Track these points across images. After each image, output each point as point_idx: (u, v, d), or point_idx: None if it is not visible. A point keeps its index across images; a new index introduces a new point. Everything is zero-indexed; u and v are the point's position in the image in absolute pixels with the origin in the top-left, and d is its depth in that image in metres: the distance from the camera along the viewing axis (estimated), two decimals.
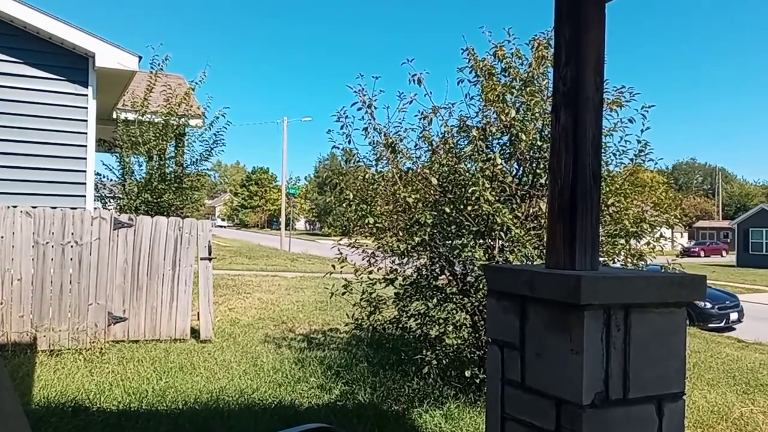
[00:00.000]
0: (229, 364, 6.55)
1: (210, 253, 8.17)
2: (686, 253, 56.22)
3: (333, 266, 6.21)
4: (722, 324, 15.39)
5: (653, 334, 2.06)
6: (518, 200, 5.53)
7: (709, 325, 15.08)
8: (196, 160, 12.37)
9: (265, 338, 8.16)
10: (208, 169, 13.20)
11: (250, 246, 37.77)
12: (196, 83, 12.72)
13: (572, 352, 1.93)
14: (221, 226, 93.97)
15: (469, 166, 5.73)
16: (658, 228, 5.78)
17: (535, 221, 5.43)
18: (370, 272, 6.21)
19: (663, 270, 6.02)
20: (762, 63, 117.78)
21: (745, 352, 10.71)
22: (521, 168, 5.85)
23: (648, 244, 5.66)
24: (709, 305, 15.53)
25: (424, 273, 5.99)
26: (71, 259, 7.17)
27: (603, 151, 5.88)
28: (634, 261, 5.75)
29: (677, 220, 5.95)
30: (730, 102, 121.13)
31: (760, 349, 11.59)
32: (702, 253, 56.74)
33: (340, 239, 6.67)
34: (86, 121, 8.40)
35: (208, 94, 12.77)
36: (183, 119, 11.89)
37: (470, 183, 5.20)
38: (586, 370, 1.86)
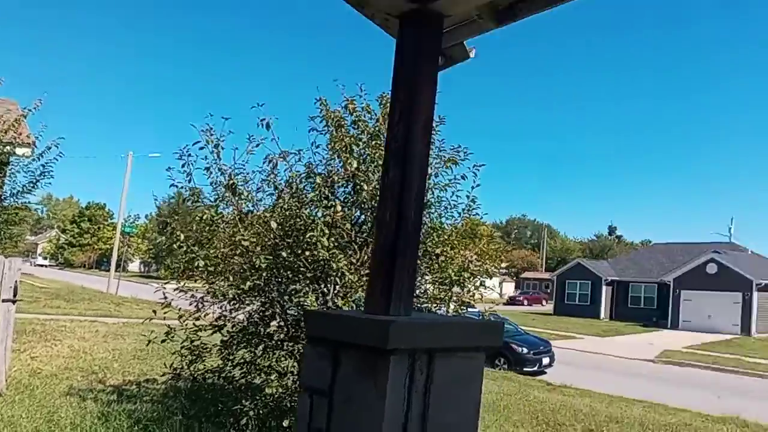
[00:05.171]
0: (17, 421, 5.71)
1: (15, 295, 7.20)
2: (512, 301, 61.04)
3: (154, 311, 5.78)
4: (536, 368, 16.73)
5: (454, 378, 2.16)
6: (356, 247, 5.64)
7: (525, 369, 16.35)
8: (18, 191, 11.08)
9: (69, 390, 7.31)
10: (31, 203, 11.90)
11: (72, 288, 34.08)
12: (29, 110, 11.65)
13: (377, 397, 1.95)
14: (41, 265, 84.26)
15: (313, 211, 5.77)
16: (479, 277, 6.23)
17: None
18: (197, 318, 5.88)
19: (481, 316, 6.47)
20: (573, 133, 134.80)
21: (550, 395, 11.78)
22: (363, 216, 6.00)
23: (468, 291, 6.05)
24: (525, 350, 16.88)
25: (255, 319, 5.81)
26: None
27: (439, 203, 6.26)
28: (460, 308, 6.12)
29: (496, 270, 6.50)
30: (552, 162, 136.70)
31: (565, 392, 12.84)
32: (525, 302, 61.86)
33: (166, 282, 6.25)
34: None
35: (43, 123, 11.32)
36: (8, 147, 10.67)
37: (309, 228, 5.22)
38: (387, 415, 1.88)
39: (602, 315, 43.89)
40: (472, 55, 2.70)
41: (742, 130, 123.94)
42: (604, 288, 44.56)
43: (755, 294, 34.52)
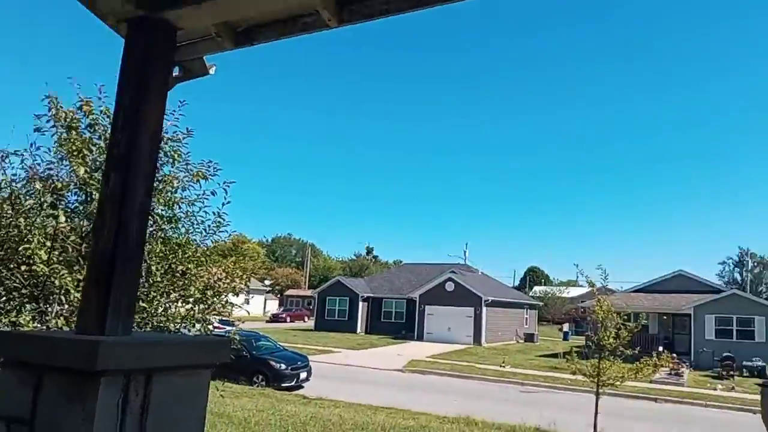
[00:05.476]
0: None
1: None
2: (275, 318, 61.08)
3: None
4: (294, 383, 17.04)
5: (175, 397, 2.11)
6: (84, 262, 5.12)
7: (283, 385, 16.54)
8: None
9: None
10: None
11: None
12: None
13: (84, 422, 1.82)
14: None
15: (34, 221, 5.07)
16: (225, 295, 6.14)
17: None
18: None
19: (228, 334, 6.39)
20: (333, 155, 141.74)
21: (305, 408, 12.12)
22: None
23: (214, 310, 5.93)
24: (283, 366, 17.09)
25: None
26: None
27: (187, 218, 6.01)
28: (206, 326, 5.95)
29: (244, 288, 6.49)
30: (318, 185, 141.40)
31: (319, 404, 13.33)
32: (288, 319, 62.09)
33: None
34: None
35: None
36: None
37: (25, 239, 4.59)
38: None
39: (359, 329, 46.56)
40: (211, 71, 2.72)
41: (474, 167, 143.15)
42: (360, 304, 47.40)
43: (484, 309, 40.14)
